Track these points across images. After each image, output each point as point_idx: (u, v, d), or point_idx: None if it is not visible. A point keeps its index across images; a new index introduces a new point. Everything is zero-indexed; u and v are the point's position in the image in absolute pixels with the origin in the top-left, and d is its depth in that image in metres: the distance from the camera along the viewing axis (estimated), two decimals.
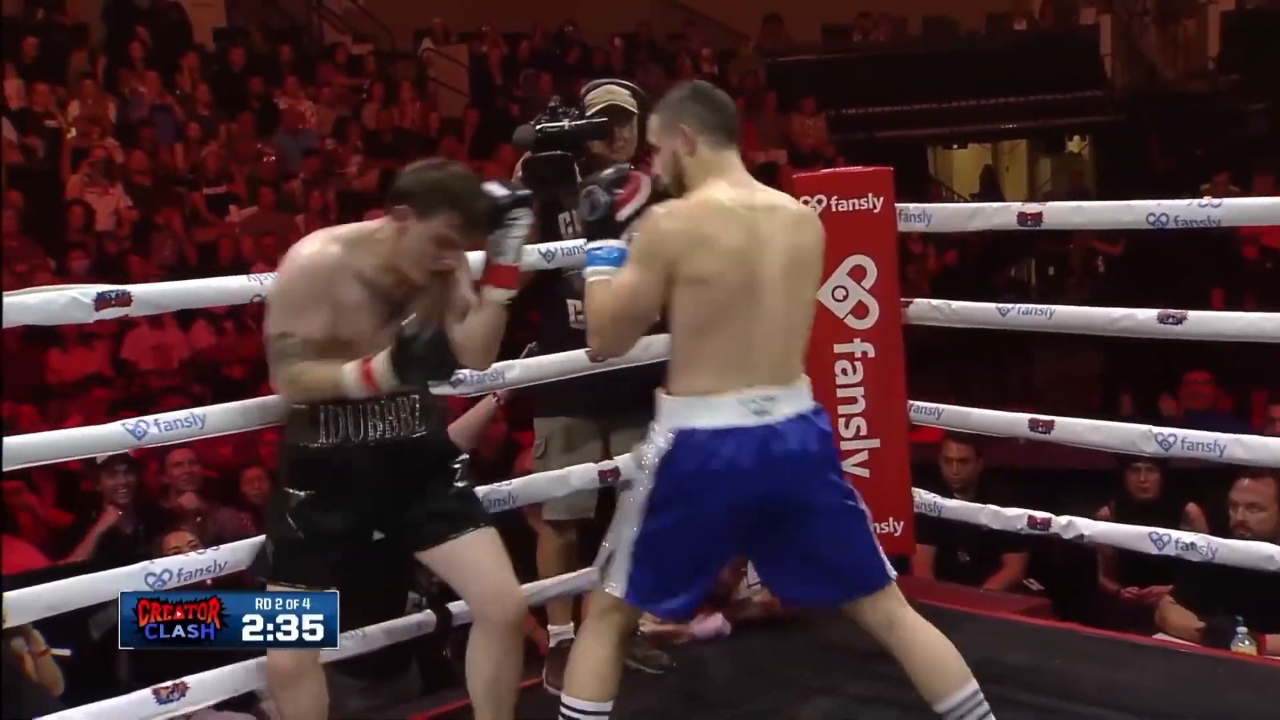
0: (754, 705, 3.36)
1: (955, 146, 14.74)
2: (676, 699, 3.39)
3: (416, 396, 2.75)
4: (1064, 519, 3.61)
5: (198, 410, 2.96)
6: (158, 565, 2.87)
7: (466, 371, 3.37)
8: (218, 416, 2.96)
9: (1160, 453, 3.53)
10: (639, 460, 2.64)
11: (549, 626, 3.59)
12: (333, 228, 2.74)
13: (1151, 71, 14.02)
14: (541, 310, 3.63)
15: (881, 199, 3.84)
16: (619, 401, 3.45)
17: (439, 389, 2.92)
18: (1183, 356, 5.84)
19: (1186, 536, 3.45)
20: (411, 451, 2.74)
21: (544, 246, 3.36)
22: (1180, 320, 3.38)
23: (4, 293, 2.74)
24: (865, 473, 3.84)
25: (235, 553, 2.99)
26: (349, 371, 2.60)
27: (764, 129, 11.78)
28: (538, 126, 3.35)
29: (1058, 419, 3.64)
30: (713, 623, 3.77)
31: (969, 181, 14.66)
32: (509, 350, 3.62)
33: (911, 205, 3.88)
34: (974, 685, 2.67)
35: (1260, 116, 12.31)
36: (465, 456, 2.87)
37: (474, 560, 2.75)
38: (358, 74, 11.61)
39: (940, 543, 4.56)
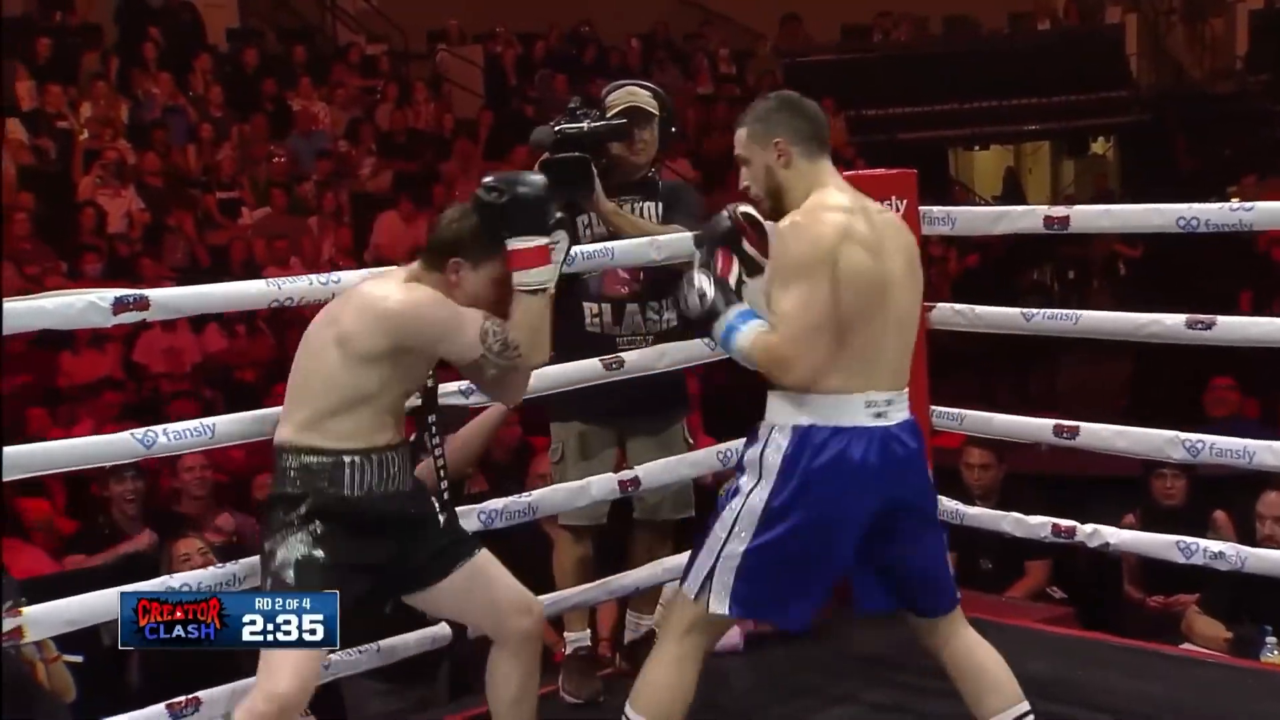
0: (772, 714, 3.33)
1: (977, 148, 14.64)
2: (695, 709, 3.35)
3: (408, 447, 2.71)
4: (1089, 527, 3.58)
5: (207, 420, 2.93)
6: (176, 579, 2.86)
7: None
8: (227, 426, 2.92)
9: (1188, 459, 3.49)
10: (749, 463, 2.57)
11: (565, 634, 3.56)
12: (394, 272, 2.70)
13: (1178, 71, 13.90)
14: (558, 314, 3.58)
15: (905, 201, 3.80)
16: (635, 408, 3.43)
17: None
18: (1208, 362, 5.78)
19: (1215, 545, 3.42)
20: (410, 498, 2.70)
21: None
22: (1209, 325, 3.34)
23: (21, 297, 2.73)
24: None
25: (254, 566, 2.91)
26: (516, 281, 2.59)
27: None
28: (556, 128, 3.32)
29: (1083, 424, 3.60)
30: (728, 635, 3.72)
31: (990, 184, 14.56)
32: None
33: (935, 208, 3.84)
34: (1026, 706, 2.68)
35: None
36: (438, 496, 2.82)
37: (485, 582, 2.71)
38: (371, 75, 11.58)
39: (961, 550, 4.50)
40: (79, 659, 3.56)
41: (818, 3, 13.55)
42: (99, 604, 2.75)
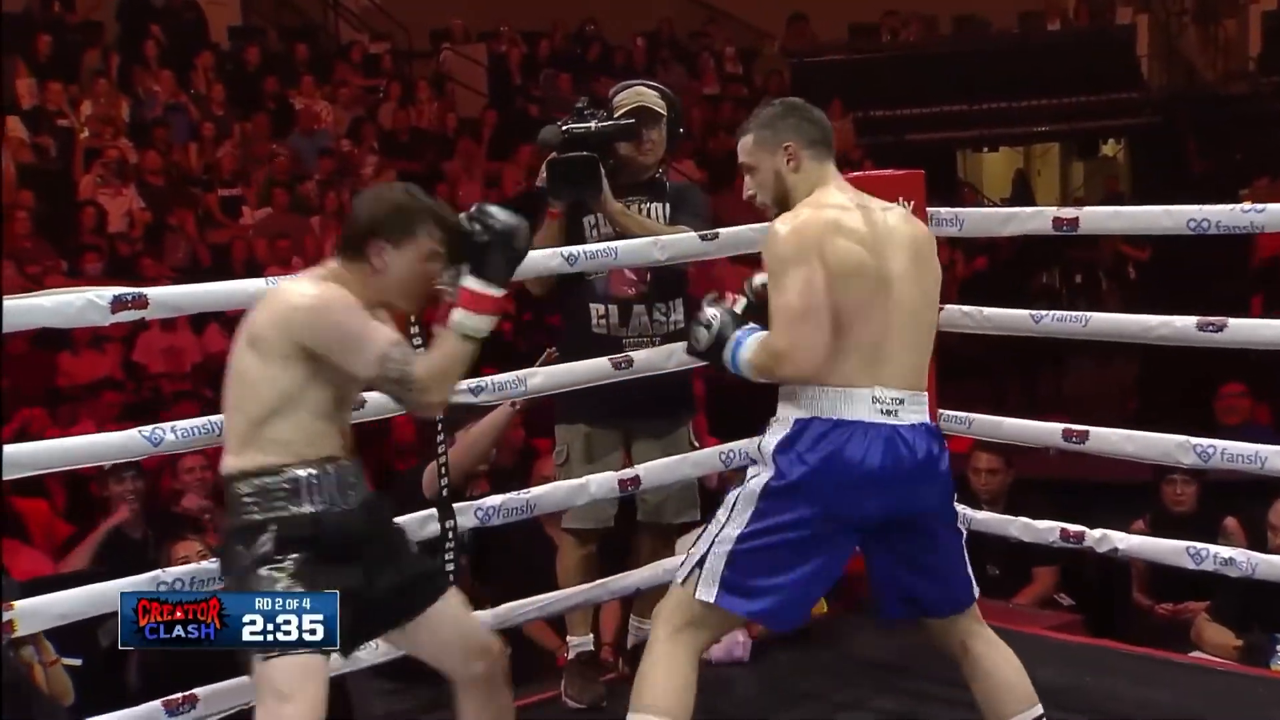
0: None
1: (986, 149, 14.58)
2: (699, 715, 3.32)
3: (356, 458, 2.57)
4: (1098, 532, 3.56)
5: (214, 417, 2.90)
6: (170, 574, 2.84)
7: (486, 380, 3.33)
8: None
9: (1199, 464, 3.46)
10: (753, 453, 2.57)
11: (568, 638, 3.54)
12: (312, 271, 2.53)
13: (1190, 72, 13.81)
14: (563, 315, 3.58)
15: (912, 203, 3.76)
16: (640, 410, 3.41)
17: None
18: (1218, 365, 5.75)
19: (1225, 551, 3.39)
20: (375, 510, 2.58)
21: (566, 250, 3.31)
22: (1220, 328, 3.31)
23: (20, 295, 2.71)
24: None
25: None
26: (455, 322, 2.44)
27: None
28: (564, 127, 3.31)
29: (1092, 429, 3.58)
30: (728, 644, 3.70)
31: (999, 185, 14.51)
32: (530, 356, 3.57)
33: (943, 209, 3.84)
34: (1040, 709, 2.66)
35: None
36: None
37: (452, 622, 2.60)
38: (374, 74, 11.55)
39: (968, 556, 4.46)
40: (78, 662, 3.53)
41: (825, 2, 13.49)
42: (89, 597, 2.74)
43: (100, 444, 2.86)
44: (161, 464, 5.24)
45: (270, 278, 3.04)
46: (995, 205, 11.80)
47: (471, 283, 2.45)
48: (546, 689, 3.53)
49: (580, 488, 3.35)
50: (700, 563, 2.52)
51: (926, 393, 2.61)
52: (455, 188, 9.69)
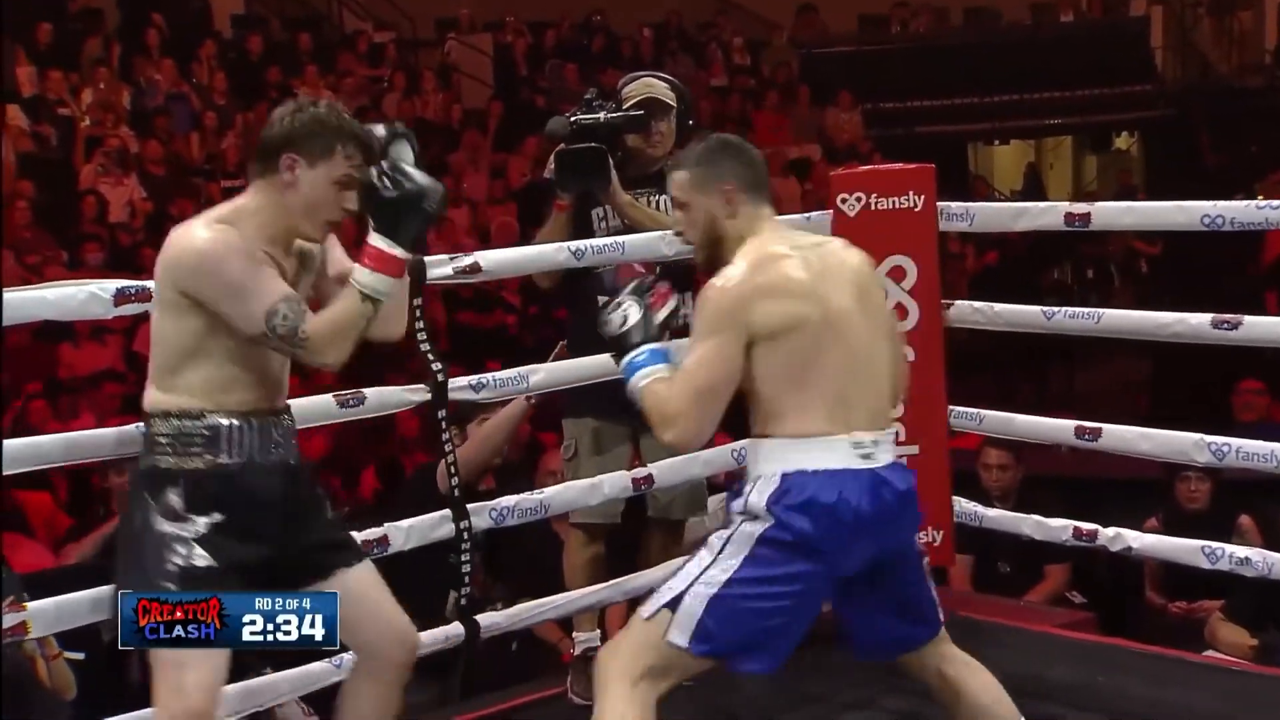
0: None
1: (997, 143, 14.51)
2: (707, 716, 3.29)
3: (288, 417, 2.47)
4: (1111, 530, 3.54)
5: None
6: None
7: (489, 376, 3.30)
8: None
9: (1214, 462, 3.44)
10: (735, 511, 2.42)
11: (574, 634, 3.52)
12: (205, 214, 2.41)
13: (1204, 65, 13.74)
14: (571, 308, 3.56)
15: (922, 197, 3.77)
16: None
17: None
18: (1232, 363, 5.71)
19: (1241, 550, 3.37)
20: (302, 473, 2.48)
21: (573, 244, 3.29)
22: (1236, 325, 3.29)
23: (22, 287, 2.69)
24: None
25: None
26: (356, 280, 2.31)
27: (798, 123, 11.64)
28: (572, 118, 3.28)
29: (1105, 426, 3.56)
30: None
31: (1010, 179, 14.44)
32: (536, 351, 3.54)
33: (954, 204, 3.81)
34: None
35: None
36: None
37: (368, 598, 2.47)
38: (379, 64, 11.50)
39: (979, 553, 4.44)
40: (80, 656, 3.50)
41: None
42: (108, 597, 2.65)
43: (102, 437, 2.83)
44: None
45: None
46: (1006, 199, 11.74)
47: (378, 240, 2.33)
48: (551, 685, 3.50)
49: (594, 487, 3.33)
50: (674, 603, 2.38)
51: (894, 427, 2.58)
52: (460, 180, 9.65)
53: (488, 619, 3.29)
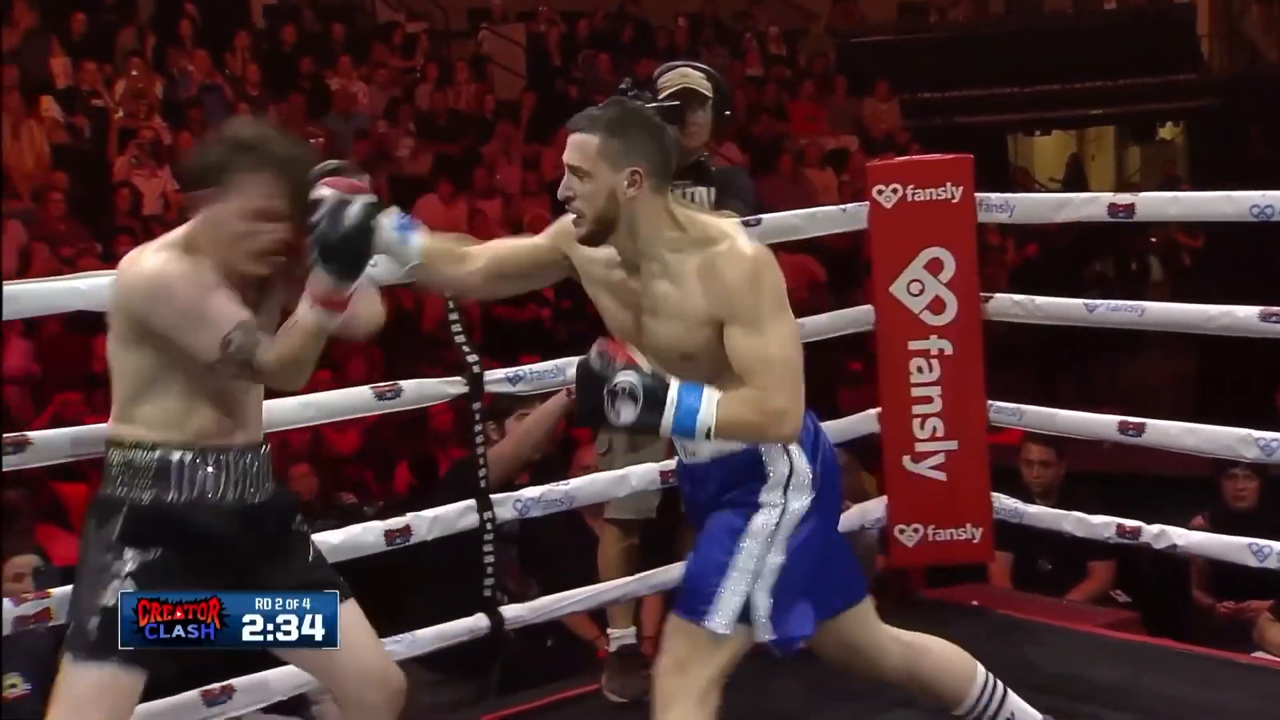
0: (829, 717, 3.26)
1: (1038, 133, 14.31)
2: (745, 714, 3.26)
3: (265, 449, 2.38)
4: (1155, 528, 3.50)
5: None
6: None
7: (525, 368, 3.27)
8: (270, 412, 2.84)
9: (1262, 458, 3.41)
10: (777, 469, 2.34)
11: (609, 630, 3.49)
12: (155, 241, 2.33)
13: (1252, 53, 13.48)
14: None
15: (961, 188, 3.73)
16: None
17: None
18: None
19: None
20: (265, 515, 2.36)
21: None
22: None
23: (56, 278, 2.69)
24: (942, 476, 3.76)
25: None
26: (301, 314, 2.19)
27: (834, 113, 11.55)
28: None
29: (1149, 421, 3.52)
30: None
31: (1051, 170, 14.26)
32: (570, 344, 3.51)
33: (993, 195, 3.78)
34: (983, 671, 2.62)
35: None
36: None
37: (348, 642, 2.36)
38: (411, 54, 11.48)
39: (1019, 550, 4.38)
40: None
41: None
42: None
43: None
44: None
45: None
46: (1046, 190, 11.60)
47: (319, 279, 2.18)
48: (586, 682, 3.48)
49: (621, 479, 3.31)
50: (746, 604, 2.33)
51: None
52: (493, 171, 9.62)
53: (512, 610, 3.28)
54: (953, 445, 3.74)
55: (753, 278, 2.28)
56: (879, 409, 3.81)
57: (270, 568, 2.34)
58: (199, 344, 2.19)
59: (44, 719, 2.25)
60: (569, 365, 3.28)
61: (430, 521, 3.13)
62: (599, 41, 12.01)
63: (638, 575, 3.38)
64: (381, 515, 3.74)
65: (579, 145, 2.34)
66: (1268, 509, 4.35)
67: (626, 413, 2.24)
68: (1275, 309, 3.23)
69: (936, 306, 3.72)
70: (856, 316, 3.90)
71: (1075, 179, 13.37)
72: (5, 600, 2.66)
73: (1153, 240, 10.60)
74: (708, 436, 2.26)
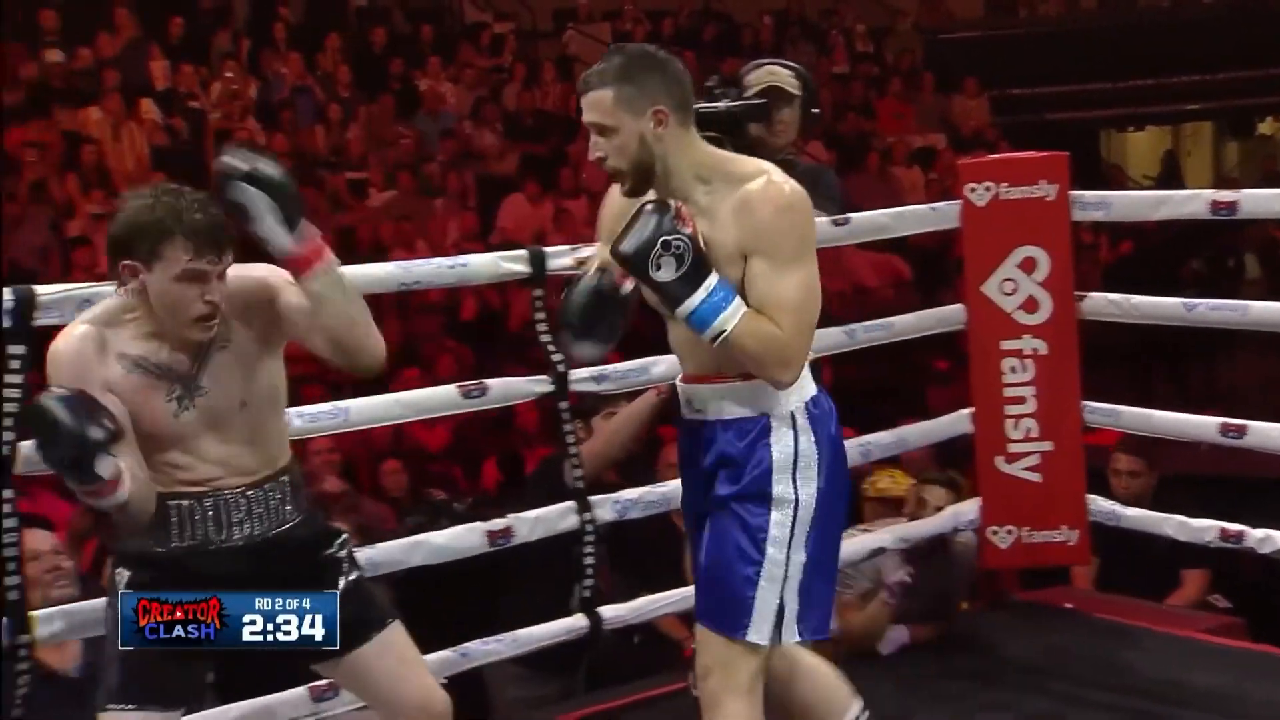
0: None
1: (1132, 129, 14.02)
2: None
3: (286, 477, 2.32)
4: (1260, 532, 3.42)
5: (342, 403, 2.90)
6: None
7: (610, 367, 3.27)
8: (361, 410, 2.87)
9: None
10: (782, 463, 2.28)
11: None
12: (88, 311, 2.29)
13: None
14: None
15: (1056, 186, 3.68)
16: None
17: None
18: None
19: None
20: (285, 547, 2.31)
21: None
22: None
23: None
24: (1036, 477, 3.71)
25: (389, 552, 2.98)
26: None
27: (922, 111, 11.42)
28: (693, 107, 3.20)
29: (1251, 423, 3.44)
30: (898, 635, 3.62)
31: (1145, 166, 13.97)
32: (655, 343, 3.49)
33: (1088, 193, 3.72)
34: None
35: None
36: (344, 537, 2.43)
37: (386, 671, 2.34)
38: (499, 55, 11.55)
39: (1102, 554, 4.28)
40: None
41: None
42: None
43: None
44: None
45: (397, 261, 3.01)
46: (1140, 187, 11.36)
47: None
48: (674, 680, 3.47)
49: None
50: (780, 609, 2.28)
51: None
52: (579, 171, 9.64)
53: (611, 611, 3.28)
54: (1047, 446, 3.69)
55: (787, 214, 2.23)
56: (971, 409, 3.76)
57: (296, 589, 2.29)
58: None
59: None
60: (654, 364, 3.28)
61: (531, 523, 3.14)
62: (684, 40, 11.98)
63: None
64: (471, 511, 3.77)
65: (595, 103, 2.31)
66: None
67: (666, 270, 2.19)
68: None
69: (1030, 306, 3.67)
70: (946, 315, 3.85)
71: (1170, 176, 13.06)
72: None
73: (1249, 237, 10.33)
74: (713, 340, 2.21)
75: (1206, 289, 8.79)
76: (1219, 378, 8.35)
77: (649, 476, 3.87)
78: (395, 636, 2.36)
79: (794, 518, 2.27)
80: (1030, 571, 4.02)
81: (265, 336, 2.29)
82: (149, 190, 2.24)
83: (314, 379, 6.57)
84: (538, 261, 3.13)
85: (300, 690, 2.81)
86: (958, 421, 3.81)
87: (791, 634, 2.30)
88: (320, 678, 2.78)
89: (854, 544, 3.61)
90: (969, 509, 3.77)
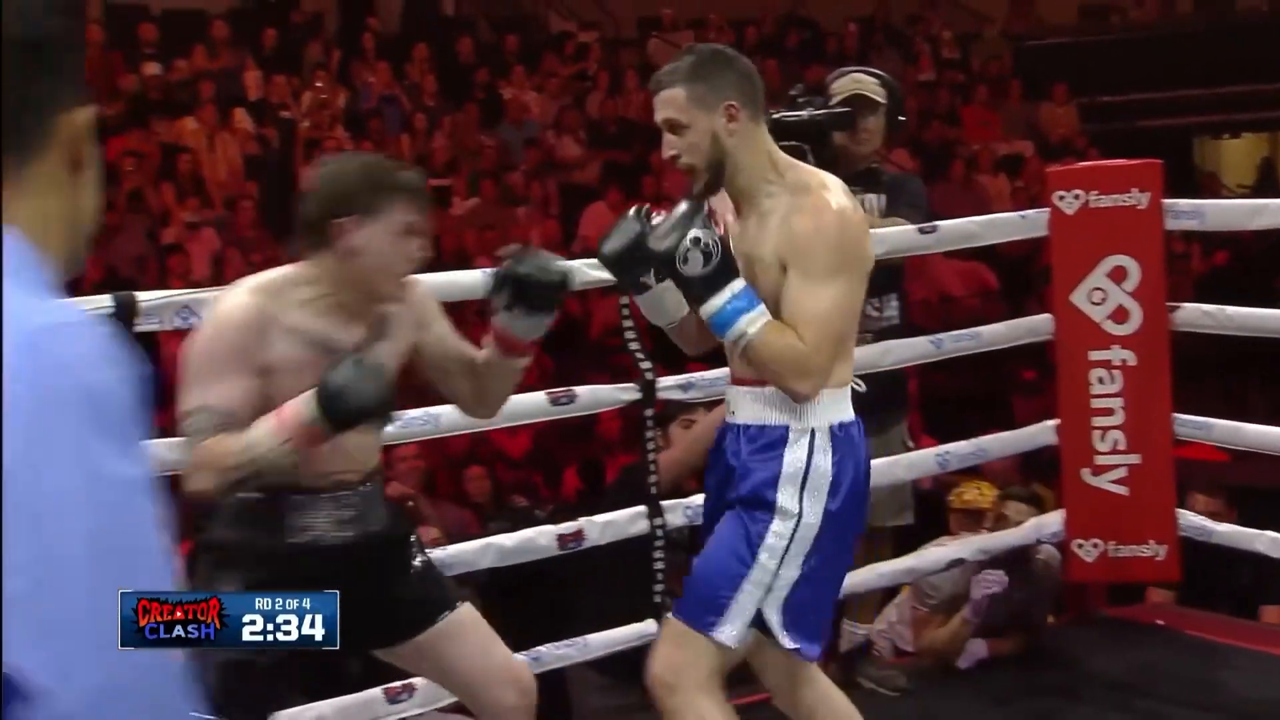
0: None
1: (1227, 136, 13.71)
2: None
3: (380, 477, 2.35)
4: None
5: (433, 409, 2.92)
6: None
7: (696, 375, 3.27)
8: (452, 416, 2.90)
9: None
10: (790, 474, 2.26)
11: (844, 621, 3.46)
12: (255, 276, 2.27)
13: None
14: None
15: (1148, 194, 3.62)
16: (859, 406, 3.28)
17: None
18: None
19: None
20: (381, 542, 2.33)
21: None
22: None
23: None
24: (1123, 490, 3.65)
25: (461, 554, 2.99)
26: (260, 428, 2.08)
27: (1008, 118, 11.29)
28: (776, 115, 3.20)
29: None
30: (976, 649, 3.58)
31: (1240, 174, 13.63)
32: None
33: (1182, 201, 3.65)
34: None
35: None
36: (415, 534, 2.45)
37: (466, 648, 2.33)
38: (582, 63, 11.60)
39: (1203, 570, 4.19)
40: None
41: None
42: None
43: None
44: None
45: (481, 269, 3.04)
46: (1235, 196, 11.09)
47: (306, 413, 2.05)
48: (756, 691, 3.46)
49: None
50: (759, 613, 2.26)
51: None
52: (661, 179, 9.66)
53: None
54: (1135, 459, 3.63)
55: (828, 230, 2.22)
56: (1057, 420, 3.72)
57: (383, 587, 2.31)
58: (181, 406, 2.15)
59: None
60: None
61: (602, 526, 3.16)
62: (768, 48, 11.95)
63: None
64: (552, 519, 3.78)
65: (668, 100, 2.32)
66: None
67: (694, 265, 2.20)
68: None
69: (1120, 316, 3.62)
70: (1034, 325, 3.81)
71: (1267, 184, 12.75)
72: None
73: None
74: (735, 342, 2.23)
75: None
76: None
77: None
78: (469, 615, 2.36)
79: (794, 532, 2.26)
80: (1114, 587, 3.95)
81: (408, 342, 2.34)
82: (345, 154, 2.29)
83: (400, 387, 6.65)
84: None
85: (375, 691, 2.83)
86: (1041, 433, 3.76)
87: (785, 641, 2.26)
88: (394, 679, 2.80)
89: (935, 555, 3.59)
90: (1053, 521, 3.73)
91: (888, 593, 3.80)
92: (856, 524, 2.35)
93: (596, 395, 3.20)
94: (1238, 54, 11.80)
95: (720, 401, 3.61)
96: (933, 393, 5.86)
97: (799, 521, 2.25)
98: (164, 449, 2.38)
